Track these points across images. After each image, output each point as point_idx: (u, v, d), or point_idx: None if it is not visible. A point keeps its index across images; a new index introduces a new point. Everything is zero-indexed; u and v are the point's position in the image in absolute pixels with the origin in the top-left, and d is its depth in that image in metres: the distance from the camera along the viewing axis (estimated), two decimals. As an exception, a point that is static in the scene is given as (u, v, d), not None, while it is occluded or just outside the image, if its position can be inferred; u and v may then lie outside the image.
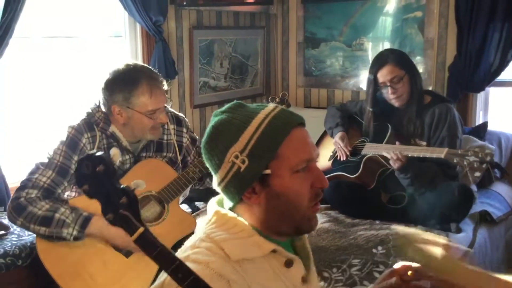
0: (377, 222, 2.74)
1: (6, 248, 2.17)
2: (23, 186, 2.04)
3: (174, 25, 3.60)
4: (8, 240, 2.25)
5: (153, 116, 2.10)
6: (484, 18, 3.34)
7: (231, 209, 1.16)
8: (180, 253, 1.13)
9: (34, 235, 2.25)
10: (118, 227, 0.98)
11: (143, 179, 2.17)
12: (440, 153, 2.49)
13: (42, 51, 3.01)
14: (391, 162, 2.68)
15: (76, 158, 2.10)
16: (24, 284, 2.20)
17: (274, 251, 1.12)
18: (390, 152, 2.65)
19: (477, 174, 2.37)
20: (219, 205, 1.19)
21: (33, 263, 2.20)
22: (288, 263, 1.14)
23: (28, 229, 2.02)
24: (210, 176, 2.43)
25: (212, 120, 1.15)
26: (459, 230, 2.60)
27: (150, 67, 2.21)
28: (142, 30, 3.38)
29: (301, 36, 4.34)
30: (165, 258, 0.97)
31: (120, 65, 2.13)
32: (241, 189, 1.11)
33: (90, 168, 0.96)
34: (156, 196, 2.18)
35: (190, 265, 1.02)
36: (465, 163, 2.38)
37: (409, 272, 1.25)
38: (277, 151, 1.08)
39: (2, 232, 2.30)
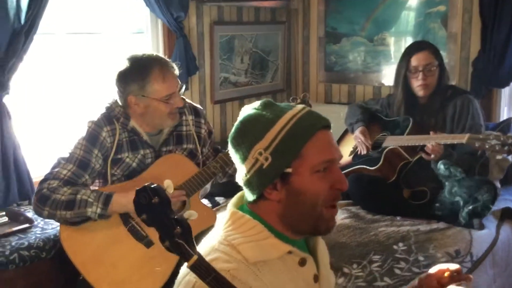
0: (398, 218, 2.72)
1: (30, 241, 2.22)
2: (45, 179, 2.09)
3: (195, 21, 3.61)
4: (32, 233, 2.30)
5: (169, 101, 2.12)
6: (509, 12, 3.29)
7: (251, 203, 1.18)
8: (201, 252, 1.15)
9: (58, 228, 2.30)
10: (175, 254, 1.03)
11: (165, 173, 2.22)
12: (461, 138, 2.48)
13: (65, 47, 3.05)
14: (427, 151, 2.62)
15: (96, 151, 2.13)
16: (48, 275, 2.24)
17: (289, 251, 1.14)
18: (431, 141, 2.59)
19: (499, 157, 2.38)
20: (237, 205, 1.22)
21: (56, 255, 2.25)
22: (302, 262, 1.17)
23: (55, 217, 2.05)
24: (231, 167, 2.40)
25: (241, 115, 1.18)
26: (482, 227, 2.57)
27: (159, 54, 2.23)
28: (163, 26, 3.41)
29: (322, 31, 4.32)
30: (220, 283, 1.02)
31: (129, 57, 2.16)
32: (263, 185, 1.13)
33: (147, 199, 1.04)
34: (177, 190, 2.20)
35: None
36: (486, 146, 2.37)
37: (446, 274, 1.24)
38: (300, 151, 1.11)
39: (27, 225, 2.35)
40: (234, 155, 1.18)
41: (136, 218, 2.12)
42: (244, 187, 1.18)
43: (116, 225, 2.11)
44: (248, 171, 1.14)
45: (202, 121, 2.38)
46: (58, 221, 2.10)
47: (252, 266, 1.10)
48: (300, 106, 1.17)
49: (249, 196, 1.18)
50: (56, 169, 2.09)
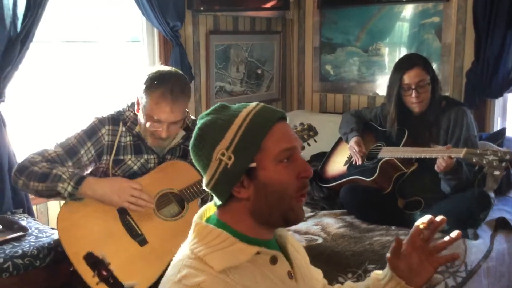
0: (393, 227, 2.73)
1: (25, 249, 2.20)
2: (31, 154, 2.14)
3: (191, 30, 3.63)
4: (26, 241, 2.28)
5: (152, 123, 2.12)
6: (502, 23, 3.31)
7: (221, 208, 1.19)
8: (171, 273, 1.14)
9: (52, 236, 2.29)
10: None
11: (166, 178, 2.24)
12: (458, 153, 2.47)
13: (61, 55, 3.05)
14: (438, 163, 2.57)
15: (89, 144, 2.17)
16: (42, 284, 2.23)
17: (258, 252, 1.14)
18: (445, 156, 2.53)
19: (497, 173, 2.36)
20: (202, 217, 1.23)
21: (50, 264, 2.23)
22: (273, 260, 1.17)
23: (28, 187, 2.08)
24: None
25: (198, 123, 1.18)
26: (476, 237, 2.57)
27: (186, 87, 2.16)
28: (159, 35, 3.42)
29: (317, 41, 4.35)
30: None
31: (166, 67, 2.21)
32: (230, 184, 1.14)
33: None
34: (176, 195, 2.22)
35: None
36: (484, 162, 2.37)
37: (422, 225, 1.28)
38: (261, 145, 1.12)
39: (21, 233, 2.33)
40: (197, 163, 1.18)
41: (133, 215, 2.15)
42: (212, 192, 1.19)
43: (113, 220, 2.13)
44: (214, 174, 1.14)
45: None
46: (30, 192, 2.15)
47: (221, 275, 1.09)
48: (254, 103, 1.19)
49: (218, 200, 1.19)
50: (45, 148, 2.15)
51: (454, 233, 1.27)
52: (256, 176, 1.13)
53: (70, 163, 2.14)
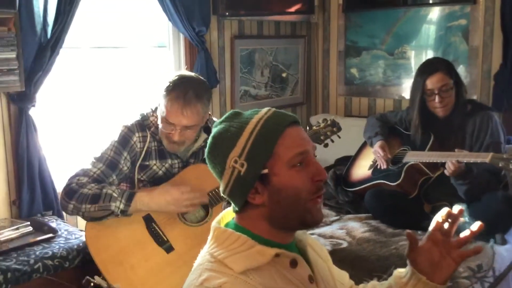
0: (419, 232, 2.70)
1: (54, 251, 2.25)
2: (75, 174, 2.16)
3: (216, 35, 3.66)
4: (56, 243, 2.33)
5: (166, 125, 2.14)
6: (532, 25, 3.27)
7: (238, 214, 1.20)
8: (192, 277, 1.16)
9: (81, 238, 2.34)
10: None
11: (191, 181, 2.25)
12: (485, 158, 2.45)
13: (90, 61, 3.12)
14: (447, 166, 2.59)
15: (125, 154, 2.20)
16: (71, 285, 2.27)
17: (277, 255, 1.14)
18: (453, 160, 2.55)
19: None
20: (222, 222, 1.24)
21: (79, 265, 2.27)
22: (293, 263, 1.17)
23: (79, 210, 2.10)
24: None
25: (212, 131, 1.20)
26: (504, 242, 2.54)
27: (202, 93, 2.16)
28: (185, 40, 3.46)
29: (342, 45, 4.34)
30: None
31: (189, 73, 2.25)
32: (245, 191, 1.15)
33: None
34: None
35: None
36: (510, 167, 2.34)
37: (442, 216, 1.27)
38: (273, 151, 1.13)
39: (50, 235, 2.38)
40: (213, 170, 1.20)
41: (159, 222, 2.18)
42: (229, 199, 1.20)
43: (140, 228, 2.16)
44: (228, 181, 1.16)
45: None
46: (82, 216, 2.14)
47: (242, 276, 1.10)
48: (265, 109, 1.19)
49: (235, 207, 1.20)
50: (87, 167, 2.18)
51: (476, 226, 1.25)
52: (270, 182, 1.13)
53: (114, 176, 2.18)
